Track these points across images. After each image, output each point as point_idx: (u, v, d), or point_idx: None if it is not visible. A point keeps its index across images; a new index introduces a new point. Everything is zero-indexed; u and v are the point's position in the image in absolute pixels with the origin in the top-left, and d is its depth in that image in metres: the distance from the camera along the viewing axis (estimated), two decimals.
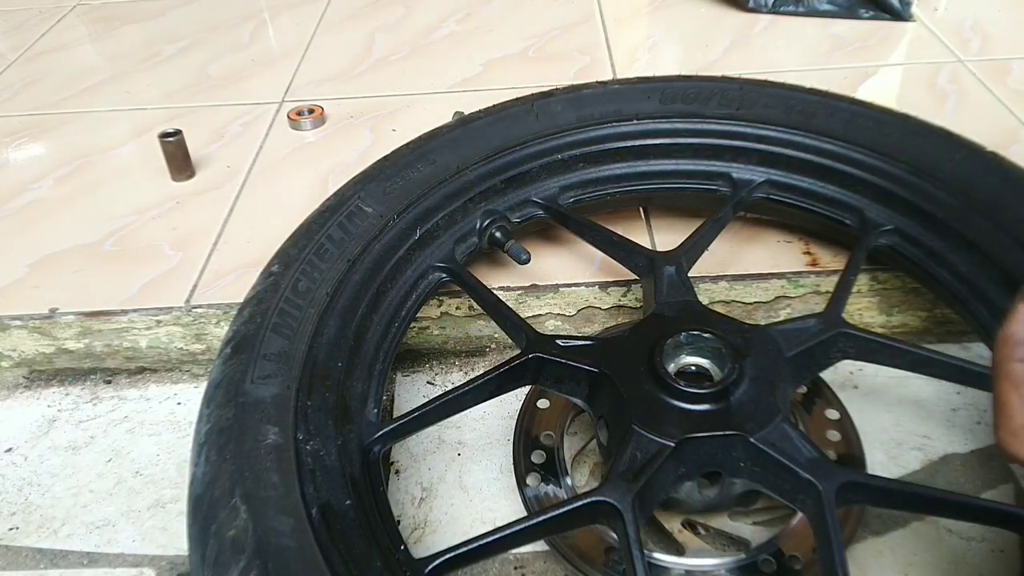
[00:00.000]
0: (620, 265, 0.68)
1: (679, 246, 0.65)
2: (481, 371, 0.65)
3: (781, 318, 0.74)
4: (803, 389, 0.66)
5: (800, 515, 0.56)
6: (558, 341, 0.58)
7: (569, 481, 0.61)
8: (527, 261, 0.69)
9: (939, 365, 0.58)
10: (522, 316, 0.62)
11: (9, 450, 0.70)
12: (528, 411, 0.66)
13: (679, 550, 0.57)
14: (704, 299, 0.70)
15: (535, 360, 0.57)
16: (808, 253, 0.75)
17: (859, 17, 1.13)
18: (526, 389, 0.67)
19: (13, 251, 0.80)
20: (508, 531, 0.47)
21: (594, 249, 0.71)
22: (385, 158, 0.70)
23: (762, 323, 0.72)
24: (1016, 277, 0.59)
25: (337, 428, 0.51)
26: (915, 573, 0.56)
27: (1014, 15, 1.13)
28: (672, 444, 0.49)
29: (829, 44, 1.07)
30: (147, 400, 0.74)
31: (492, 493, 0.63)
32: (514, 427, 0.65)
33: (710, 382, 0.54)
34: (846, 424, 0.64)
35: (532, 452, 0.63)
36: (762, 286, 0.73)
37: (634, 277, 0.69)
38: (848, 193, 0.70)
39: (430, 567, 0.46)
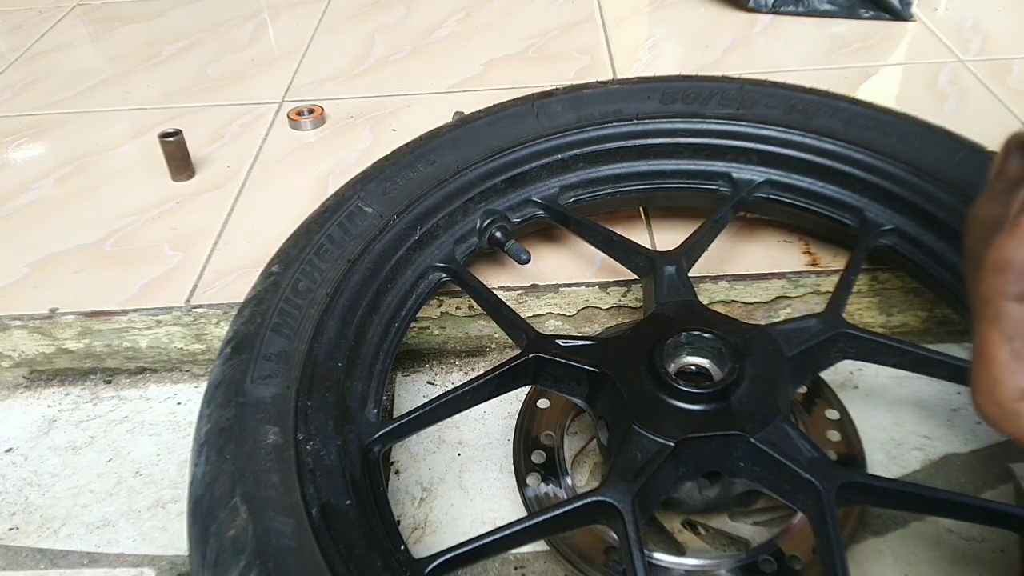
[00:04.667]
0: (620, 265, 0.68)
1: (679, 246, 0.65)
2: (481, 371, 0.65)
3: (781, 318, 0.74)
4: (803, 389, 0.66)
5: (800, 515, 0.56)
6: (558, 341, 0.58)
7: (569, 481, 0.61)
8: (527, 261, 0.69)
9: (939, 365, 0.58)
10: (522, 316, 0.62)
11: (9, 450, 0.70)
12: (528, 411, 0.66)
13: (679, 550, 0.57)
14: (704, 299, 0.70)
15: (535, 360, 0.57)
16: (808, 253, 0.75)
17: (859, 17, 1.13)
18: (526, 389, 0.67)
19: (13, 251, 0.80)
20: (508, 531, 0.47)
21: (594, 249, 0.71)
22: (385, 158, 0.70)
23: (762, 323, 0.72)
24: None
25: (337, 428, 0.51)
26: (915, 573, 0.56)
27: (1014, 15, 1.13)
28: (672, 444, 0.49)
29: (829, 44, 1.07)
30: (147, 400, 0.74)
31: (492, 493, 0.63)
32: (514, 427, 0.65)
33: (710, 382, 0.54)
34: (846, 424, 0.64)
35: (532, 452, 0.63)
36: (762, 286, 0.73)
37: (634, 277, 0.69)
38: (848, 193, 0.70)
39: (430, 567, 0.46)
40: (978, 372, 0.28)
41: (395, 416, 0.56)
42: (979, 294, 0.27)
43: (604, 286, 0.73)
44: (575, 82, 0.79)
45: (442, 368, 0.75)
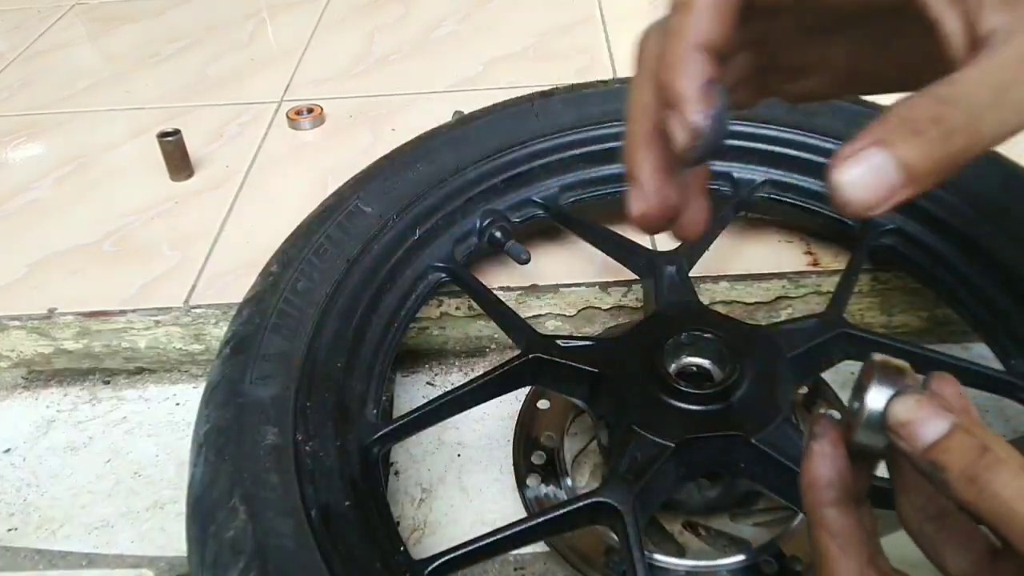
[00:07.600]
0: (620, 265, 0.68)
1: (679, 246, 0.65)
2: (481, 372, 0.65)
3: (782, 318, 0.74)
4: (804, 389, 0.66)
5: (801, 516, 0.55)
6: (558, 342, 0.57)
7: (569, 482, 0.61)
8: (527, 261, 0.69)
9: (940, 365, 0.57)
10: (522, 316, 0.62)
11: (8, 451, 0.70)
12: (528, 412, 0.66)
13: (680, 551, 0.56)
14: (705, 299, 0.70)
15: (535, 361, 0.56)
16: (809, 253, 0.75)
17: None
18: (526, 390, 0.67)
19: (12, 251, 0.80)
20: (508, 532, 0.47)
21: (594, 249, 0.71)
22: (384, 158, 0.70)
23: (763, 323, 0.72)
24: (1017, 277, 0.59)
25: (336, 429, 0.51)
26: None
27: None
28: (672, 445, 0.49)
29: None
30: (146, 401, 0.74)
31: (492, 494, 0.63)
32: (514, 428, 0.65)
33: (711, 383, 0.53)
34: None
35: (532, 453, 0.63)
36: (763, 286, 0.73)
37: (634, 277, 0.69)
38: None
39: (430, 568, 0.46)
40: (818, 569, 0.34)
41: (395, 417, 0.56)
42: (805, 508, 0.34)
43: (604, 286, 0.73)
44: (575, 82, 0.79)
45: (442, 369, 0.75)
